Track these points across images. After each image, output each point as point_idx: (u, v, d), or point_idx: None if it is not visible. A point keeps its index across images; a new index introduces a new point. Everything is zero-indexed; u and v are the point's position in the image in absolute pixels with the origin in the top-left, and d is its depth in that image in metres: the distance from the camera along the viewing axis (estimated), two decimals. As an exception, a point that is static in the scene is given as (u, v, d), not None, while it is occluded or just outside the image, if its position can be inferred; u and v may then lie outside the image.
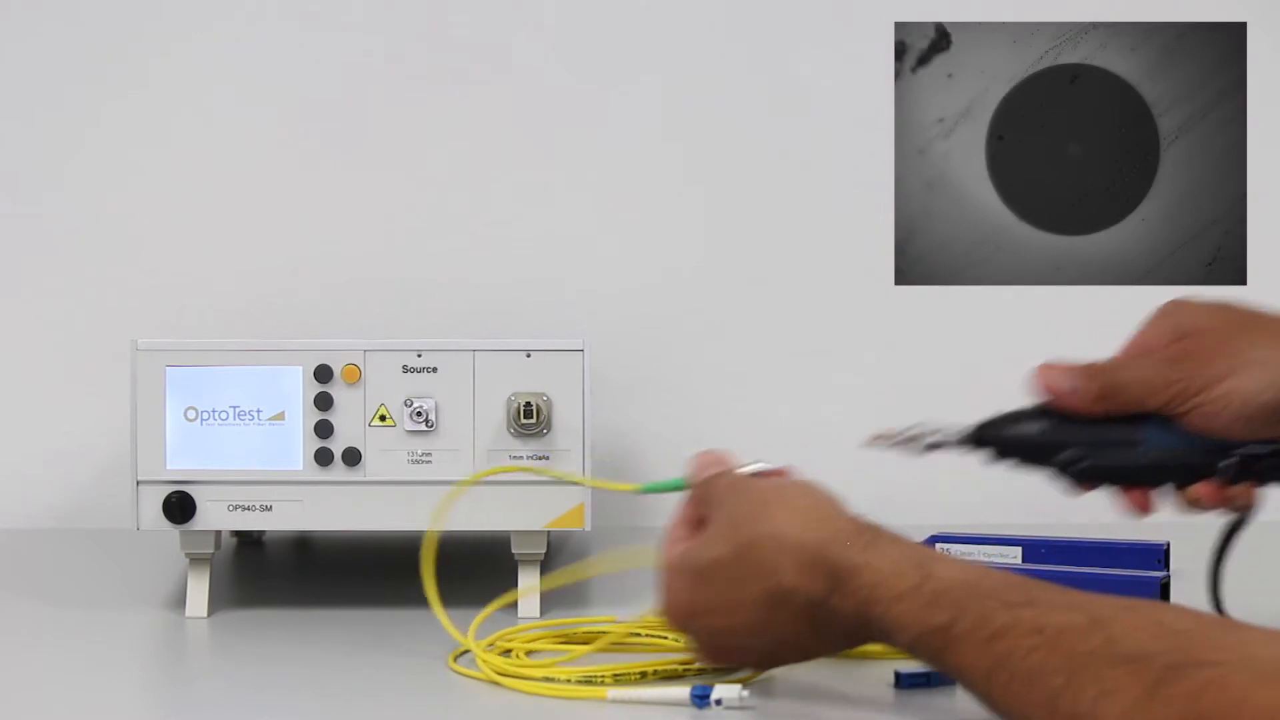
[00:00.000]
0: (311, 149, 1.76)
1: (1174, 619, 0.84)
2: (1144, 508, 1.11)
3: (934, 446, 1.11)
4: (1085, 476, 1.10)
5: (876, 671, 1.11)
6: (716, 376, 1.76)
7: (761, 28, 1.77)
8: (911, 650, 0.94)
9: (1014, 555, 1.37)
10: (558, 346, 1.29)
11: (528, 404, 1.27)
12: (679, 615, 1.03)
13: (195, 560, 1.31)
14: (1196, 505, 1.10)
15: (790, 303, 1.77)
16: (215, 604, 1.32)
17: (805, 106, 1.77)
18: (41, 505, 1.74)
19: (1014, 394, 1.12)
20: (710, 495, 1.06)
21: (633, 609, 1.25)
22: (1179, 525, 1.52)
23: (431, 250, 1.76)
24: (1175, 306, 1.10)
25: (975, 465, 1.12)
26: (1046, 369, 1.09)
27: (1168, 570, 1.34)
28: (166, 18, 1.75)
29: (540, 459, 1.27)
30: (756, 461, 1.11)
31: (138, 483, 1.28)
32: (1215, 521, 1.57)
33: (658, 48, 1.77)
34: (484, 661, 1.12)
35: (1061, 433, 1.10)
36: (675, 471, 1.15)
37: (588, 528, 1.29)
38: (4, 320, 1.75)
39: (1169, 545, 1.36)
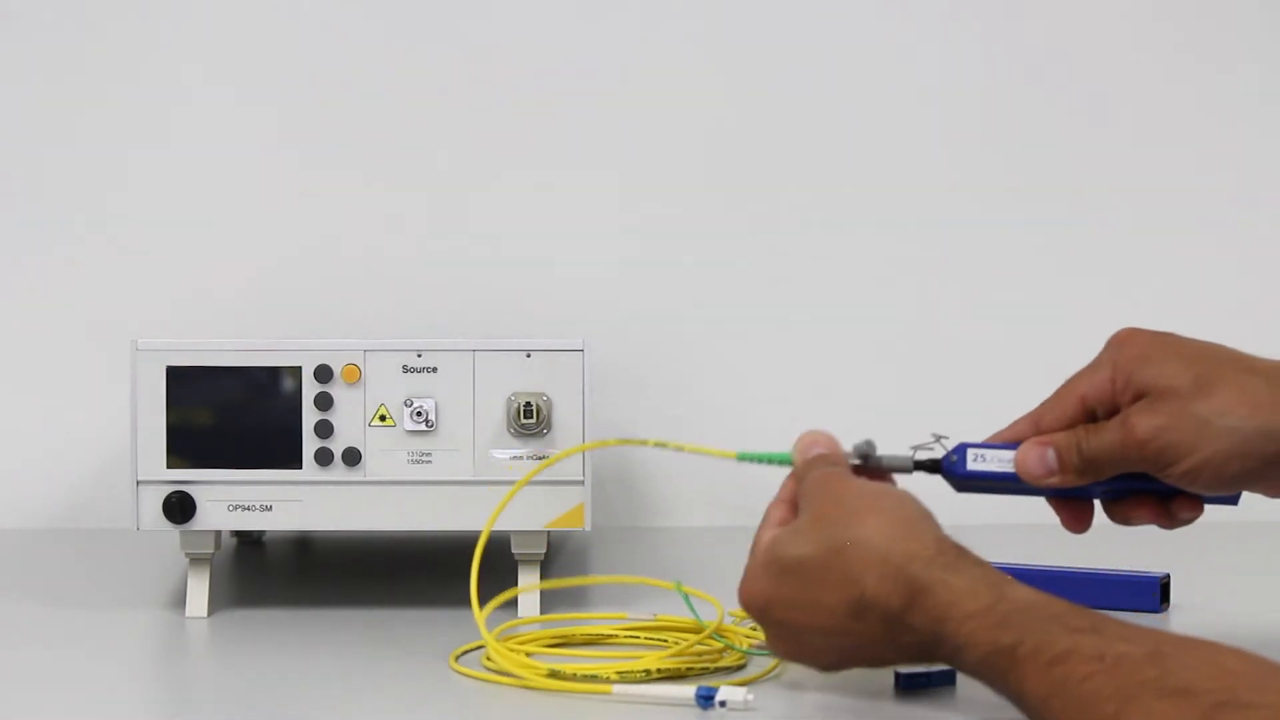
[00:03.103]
0: (312, 148, 1.75)
1: (1229, 660, 0.86)
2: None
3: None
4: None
5: (876, 671, 1.10)
6: (717, 376, 1.76)
7: (768, 17, 1.77)
8: (977, 672, 0.95)
9: None
10: (558, 346, 1.29)
11: (528, 404, 1.27)
12: (756, 604, 1.03)
13: (195, 560, 1.31)
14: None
15: (793, 302, 1.77)
16: (215, 604, 1.32)
17: (808, 105, 1.77)
18: (41, 505, 1.73)
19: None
20: (806, 485, 1.06)
21: (633, 609, 1.25)
22: (1179, 543, 1.50)
23: (431, 250, 1.75)
24: (1127, 342, 1.09)
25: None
26: (1024, 454, 1.10)
27: (1168, 602, 1.31)
28: (164, 15, 1.75)
29: (540, 459, 1.27)
30: (864, 440, 1.12)
31: (138, 483, 1.28)
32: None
33: (656, 44, 1.76)
34: (494, 655, 1.12)
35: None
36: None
37: (587, 528, 1.29)
38: (4, 320, 1.75)
39: (1168, 578, 1.32)
